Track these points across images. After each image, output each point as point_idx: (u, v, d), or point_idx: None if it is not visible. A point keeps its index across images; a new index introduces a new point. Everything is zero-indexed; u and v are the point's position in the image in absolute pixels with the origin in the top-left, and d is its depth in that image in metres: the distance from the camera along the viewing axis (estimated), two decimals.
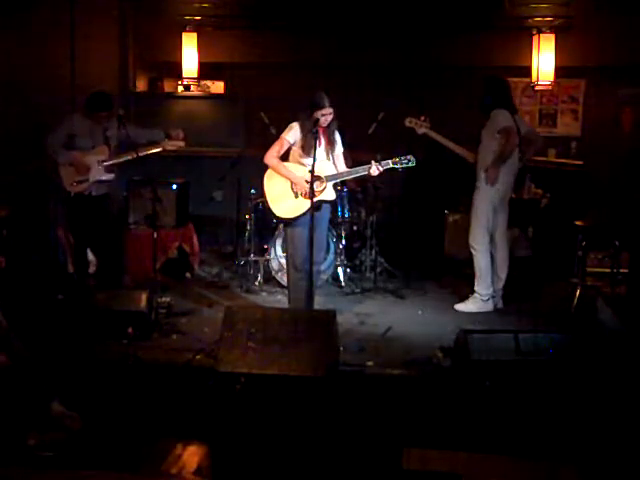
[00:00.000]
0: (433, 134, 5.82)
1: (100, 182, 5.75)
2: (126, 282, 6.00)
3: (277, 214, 5.24)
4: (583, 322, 5.18)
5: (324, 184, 5.15)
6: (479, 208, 5.79)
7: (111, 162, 5.71)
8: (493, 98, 5.77)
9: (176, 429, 3.81)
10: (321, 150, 5.17)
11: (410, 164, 5.23)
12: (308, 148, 5.06)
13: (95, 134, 5.66)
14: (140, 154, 5.59)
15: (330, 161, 5.24)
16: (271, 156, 5.18)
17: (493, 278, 5.85)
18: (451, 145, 5.84)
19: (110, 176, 5.76)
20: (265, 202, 5.28)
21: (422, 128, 5.83)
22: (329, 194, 5.22)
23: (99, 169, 5.70)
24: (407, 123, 5.89)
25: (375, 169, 5.16)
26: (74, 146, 5.65)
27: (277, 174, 5.20)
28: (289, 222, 5.24)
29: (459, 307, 5.89)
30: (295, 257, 5.22)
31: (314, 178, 4.93)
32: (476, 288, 5.84)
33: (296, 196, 5.17)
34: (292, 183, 5.17)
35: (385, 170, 5.22)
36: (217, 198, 7.61)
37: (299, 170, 5.17)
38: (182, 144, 5.90)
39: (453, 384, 4.33)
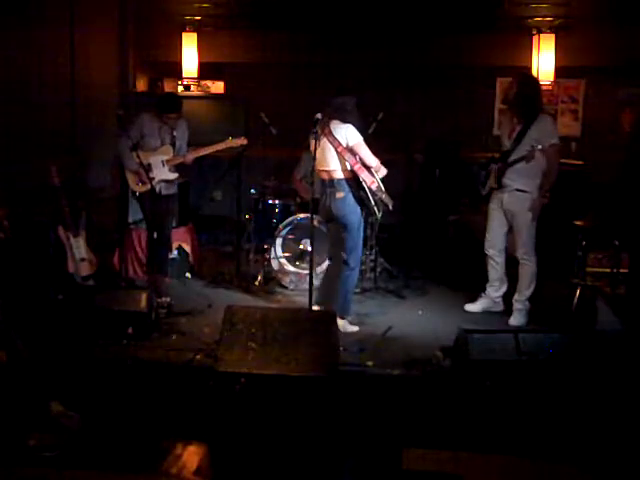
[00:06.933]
0: None
1: (166, 182, 5.76)
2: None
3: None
4: (583, 322, 5.18)
5: None
6: (532, 218, 5.44)
7: (176, 162, 5.74)
8: (539, 100, 5.46)
9: (176, 429, 3.81)
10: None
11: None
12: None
13: (162, 134, 5.69)
14: (201, 153, 5.78)
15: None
16: None
17: (501, 282, 5.74)
18: None
19: (174, 175, 5.78)
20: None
21: None
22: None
23: (163, 169, 5.71)
24: None
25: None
26: (142, 146, 5.64)
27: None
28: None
29: (513, 322, 5.55)
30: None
31: (315, 178, 4.97)
32: (524, 296, 5.59)
33: None
34: None
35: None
36: (217, 198, 7.61)
37: None
38: (245, 141, 5.94)
39: (453, 384, 4.33)
